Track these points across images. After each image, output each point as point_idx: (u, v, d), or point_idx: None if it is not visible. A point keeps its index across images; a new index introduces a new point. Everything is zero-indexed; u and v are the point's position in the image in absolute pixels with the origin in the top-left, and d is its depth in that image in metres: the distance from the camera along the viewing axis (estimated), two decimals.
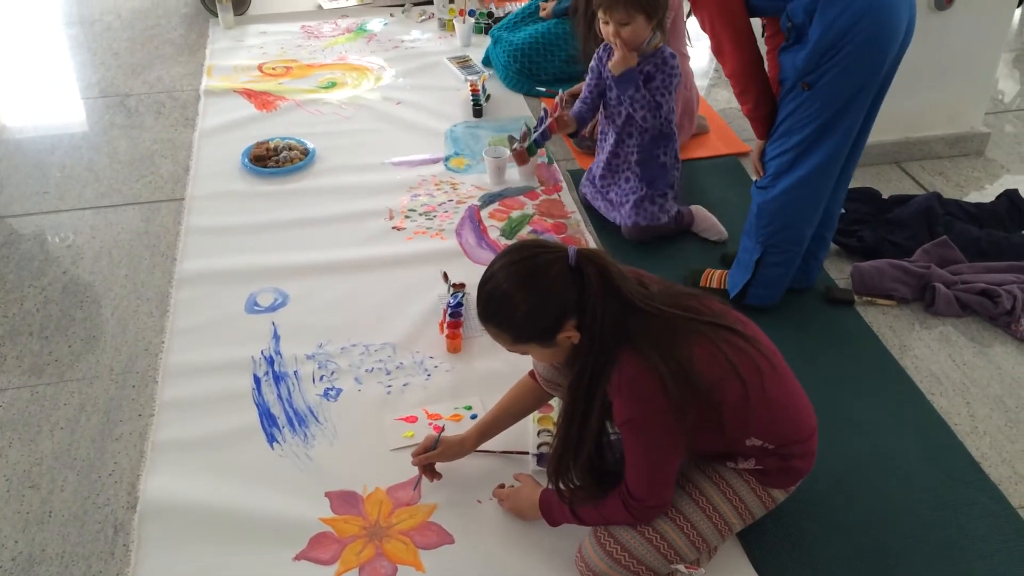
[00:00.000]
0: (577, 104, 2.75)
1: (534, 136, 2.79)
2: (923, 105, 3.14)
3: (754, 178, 2.36)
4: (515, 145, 2.85)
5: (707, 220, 2.80)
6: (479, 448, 1.99)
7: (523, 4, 4.02)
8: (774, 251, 2.33)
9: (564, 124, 2.72)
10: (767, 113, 2.25)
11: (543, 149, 3.11)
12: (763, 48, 2.27)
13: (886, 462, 2.04)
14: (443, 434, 1.93)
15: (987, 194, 3.01)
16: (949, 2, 2.88)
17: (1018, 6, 3.38)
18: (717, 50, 2.20)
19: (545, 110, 2.73)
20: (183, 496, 1.94)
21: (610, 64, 2.54)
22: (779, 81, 2.16)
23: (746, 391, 1.55)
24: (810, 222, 2.30)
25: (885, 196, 2.92)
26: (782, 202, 2.24)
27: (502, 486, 1.93)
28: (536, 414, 2.10)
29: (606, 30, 2.49)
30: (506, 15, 3.98)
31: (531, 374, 1.93)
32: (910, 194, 2.90)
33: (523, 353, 1.65)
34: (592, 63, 2.70)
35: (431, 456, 1.91)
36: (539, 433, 2.06)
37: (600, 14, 2.48)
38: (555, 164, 3.17)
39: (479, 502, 1.93)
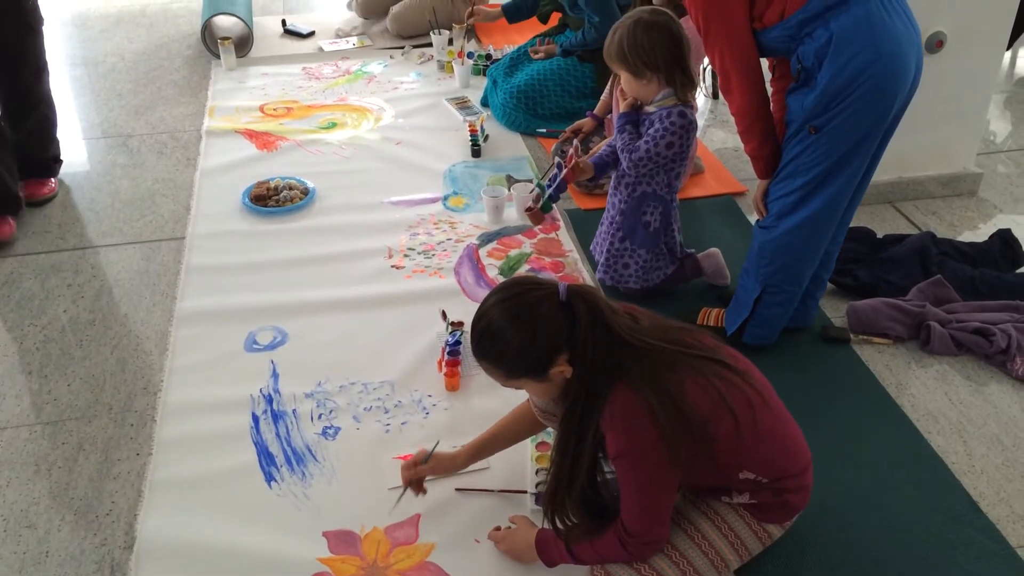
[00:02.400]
0: (604, 148, 2.58)
1: (548, 192, 2.53)
2: (916, 146, 3.17)
3: (755, 218, 2.37)
4: (528, 205, 2.60)
5: (718, 268, 2.75)
6: (477, 488, 1.99)
7: (517, 45, 4.07)
8: (773, 291, 2.34)
9: (581, 170, 2.49)
10: (770, 153, 2.24)
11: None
12: (770, 89, 2.26)
13: (883, 500, 2.04)
14: (436, 449, 1.94)
15: (980, 233, 3.04)
16: (940, 44, 2.93)
17: (1008, 48, 3.43)
18: (725, 87, 2.19)
19: (559, 164, 2.52)
20: (181, 536, 1.94)
21: None
22: (785, 122, 2.17)
23: (737, 424, 1.57)
24: (811, 263, 2.31)
25: (879, 235, 2.94)
26: (784, 242, 2.25)
27: (498, 528, 1.92)
28: (535, 452, 2.10)
29: None
30: (503, 57, 4.03)
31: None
32: (904, 233, 2.93)
33: (517, 388, 1.67)
34: None
35: (422, 471, 1.91)
36: (537, 472, 2.06)
37: None
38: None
39: (477, 541, 1.92)
